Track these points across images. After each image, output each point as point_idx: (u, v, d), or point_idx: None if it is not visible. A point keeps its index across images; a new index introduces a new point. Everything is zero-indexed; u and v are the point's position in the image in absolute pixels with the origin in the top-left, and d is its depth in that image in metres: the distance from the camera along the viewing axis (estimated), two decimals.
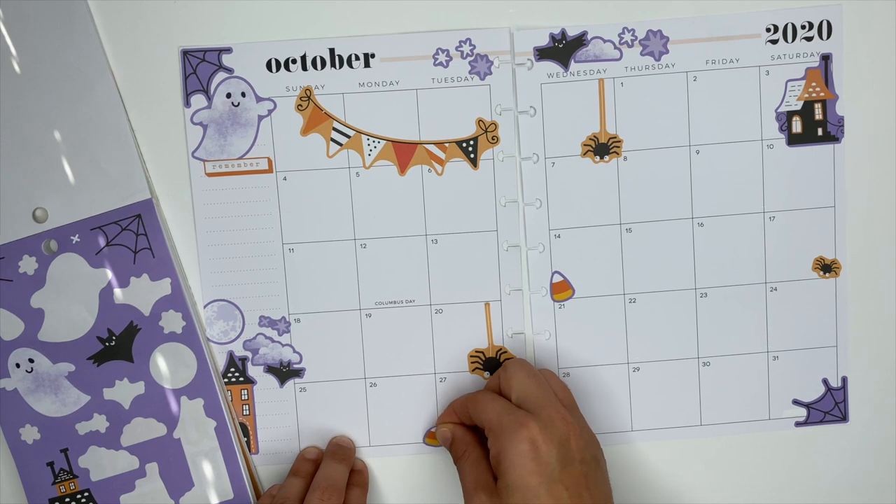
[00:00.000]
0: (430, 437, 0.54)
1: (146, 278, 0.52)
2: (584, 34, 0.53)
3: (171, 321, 0.52)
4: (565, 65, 0.53)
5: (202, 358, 0.52)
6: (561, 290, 0.54)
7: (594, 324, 0.54)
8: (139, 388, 0.52)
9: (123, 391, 0.52)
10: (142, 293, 0.52)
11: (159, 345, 0.52)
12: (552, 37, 0.53)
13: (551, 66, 0.53)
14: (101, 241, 0.52)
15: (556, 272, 0.54)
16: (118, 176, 0.52)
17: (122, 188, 0.52)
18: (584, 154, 0.53)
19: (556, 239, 0.54)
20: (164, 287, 0.52)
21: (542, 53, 0.53)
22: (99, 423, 0.52)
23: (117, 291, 0.52)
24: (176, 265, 0.52)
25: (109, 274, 0.52)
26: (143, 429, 0.52)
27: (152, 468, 0.52)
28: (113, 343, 0.52)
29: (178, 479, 0.53)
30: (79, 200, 0.51)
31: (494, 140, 0.53)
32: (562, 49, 0.53)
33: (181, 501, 0.53)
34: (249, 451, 0.54)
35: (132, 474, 0.52)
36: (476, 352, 0.54)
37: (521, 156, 0.53)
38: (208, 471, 0.53)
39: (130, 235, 0.52)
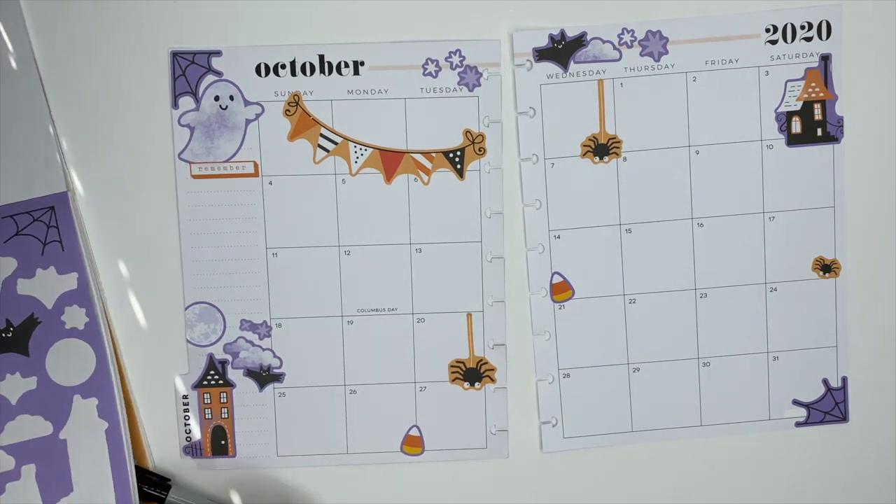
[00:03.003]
0: (407, 446, 0.54)
1: (52, 271, 0.51)
2: (583, 35, 0.53)
3: (74, 316, 0.51)
4: (564, 66, 0.53)
5: (102, 357, 0.51)
6: (561, 290, 0.54)
7: (594, 324, 0.54)
8: (31, 383, 0.51)
9: (13, 386, 0.50)
10: (46, 285, 0.51)
11: (58, 340, 0.51)
12: (551, 38, 0.53)
13: (550, 67, 0.53)
14: (11, 230, 0.51)
15: (556, 273, 0.54)
16: (35, 167, 0.51)
17: (38, 179, 0.51)
18: (584, 155, 0.53)
19: (556, 240, 0.54)
20: (69, 281, 0.51)
21: (542, 54, 0.53)
22: None
23: (21, 281, 0.51)
24: (87, 260, 0.51)
25: (15, 263, 0.51)
26: (27, 427, 0.50)
27: (29, 470, 0.50)
28: (10, 335, 0.51)
29: (56, 483, 0.50)
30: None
31: (481, 151, 0.53)
32: (561, 50, 0.53)
33: None
34: (227, 454, 0.54)
35: (3, 476, 0.50)
36: (457, 362, 0.54)
37: (520, 157, 0.53)
38: (92, 476, 0.51)
39: (41, 227, 0.51)
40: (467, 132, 0.53)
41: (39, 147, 0.51)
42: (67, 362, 0.51)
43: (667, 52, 0.53)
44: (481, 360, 0.54)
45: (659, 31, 0.53)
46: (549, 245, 0.54)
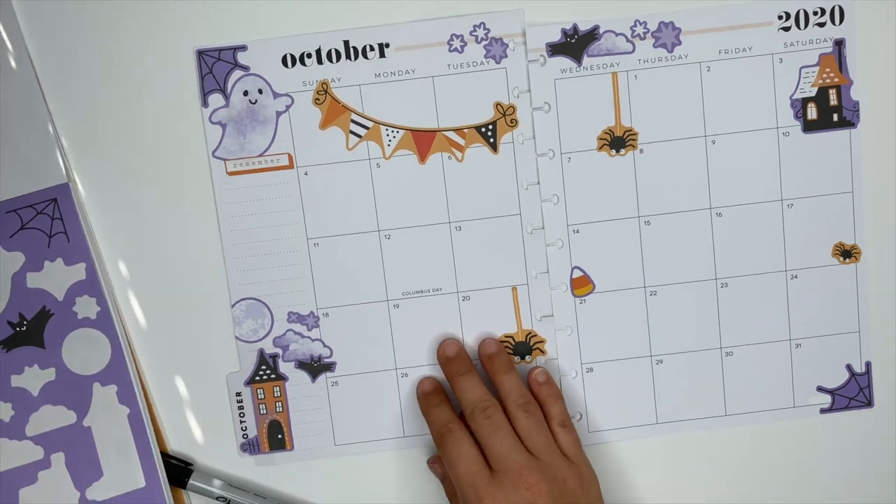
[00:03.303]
0: None
1: (60, 262, 0.51)
2: (595, 28, 0.53)
3: (86, 306, 0.51)
4: (578, 60, 0.53)
5: (117, 344, 0.51)
6: (581, 285, 0.54)
7: (616, 318, 0.54)
8: (50, 374, 0.51)
9: (33, 378, 0.51)
10: (55, 277, 0.51)
11: (72, 330, 0.51)
12: (564, 32, 0.53)
13: (564, 62, 0.53)
14: (16, 225, 0.51)
15: (576, 267, 0.54)
16: (35, 160, 0.51)
17: (38, 172, 0.51)
18: (600, 148, 0.53)
19: (575, 234, 0.54)
20: (78, 272, 0.51)
21: (555, 49, 0.53)
22: (4, 411, 0.51)
23: (30, 275, 0.51)
24: (93, 250, 0.52)
25: (22, 257, 0.51)
26: (51, 417, 0.51)
27: (58, 458, 0.51)
28: (24, 328, 0.51)
29: (86, 469, 0.51)
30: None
31: (513, 123, 0.53)
32: (574, 44, 0.53)
33: (87, 492, 0.51)
34: (284, 447, 0.54)
35: (35, 465, 0.51)
36: (506, 337, 0.54)
37: (536, 152, 0.53)
38: (119, 459, 0.51)
39: (46, 219, 0.51)
40: (498, 105, 0.53)
41: (38, 140, 0.51)
42: (83, 352, 0.51)
43: (680, 43, 0.53)
44: (530, 332, 0.54)
45: (672, 22, 0.53)
46: (568, 240, 0.54)
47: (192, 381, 0.54)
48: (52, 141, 0.51)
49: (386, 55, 0.52)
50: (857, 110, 0.54)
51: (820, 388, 0.55)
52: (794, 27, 0.53)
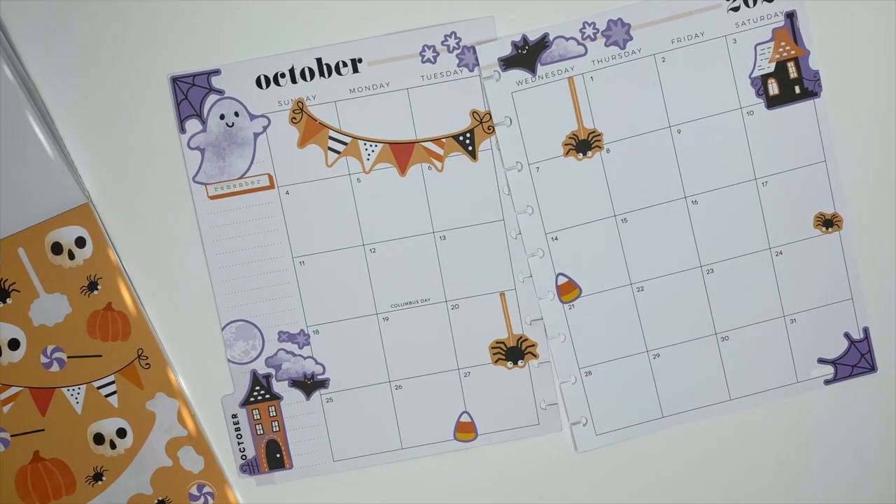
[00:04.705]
0: (460, 433, 0.54)
1: None
2: (545, 36, 0.53)
3: None
4: (532, 70, 0.53)
5: None
6: (567, 290, 0.54)
7: (607, 318, 0.54)
8: None
9: None
10: None
11: None
12: (514, 45, 0.53)
13: (519, 74, 0.53)
14: None
15: (560, 274, 0.54)
16: (53, 188, 0.52)
17: (57, 199, 0.52)
18: (567, 154, 0.53)
19: (554, 241, 0.54)
20: None
21: (508, 63, 0.53)
22: None
23: None
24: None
25: None
26: None
27: None
28: None
29: None
30: (17, 214, 0.52)
31: (491, 130, 0.53)
32: (526, 55, 0.53)
33: None
34: (283, 466, 0.54)
35: None
36: (497, 342, 0.54)
37: (504, 166, 0.53)
38: None
39: None
40: (474, 112, 0.53)
41: (50, 167, 0.52)
42: None
43: (631, 38, 0.53)
44: (521, 337, 0.54)
45: (620, 19, 0.53)
46: (549, 248, 0.54)
47: (189, 405, 0.54)
48: (64, 167, 0.51)
49: (359, 70, 0.53)
50: (818, 79, 0.53)
51: (821, 360, 0.55)
52: (742, 6, 0.53)
